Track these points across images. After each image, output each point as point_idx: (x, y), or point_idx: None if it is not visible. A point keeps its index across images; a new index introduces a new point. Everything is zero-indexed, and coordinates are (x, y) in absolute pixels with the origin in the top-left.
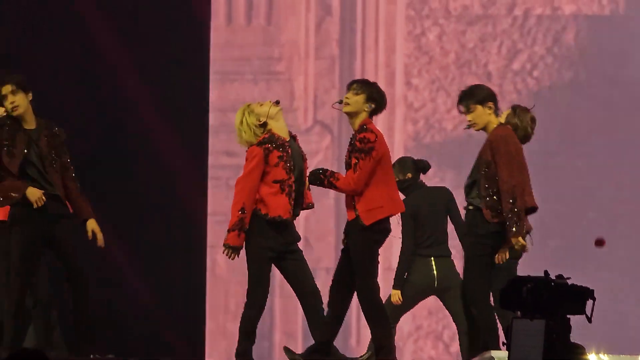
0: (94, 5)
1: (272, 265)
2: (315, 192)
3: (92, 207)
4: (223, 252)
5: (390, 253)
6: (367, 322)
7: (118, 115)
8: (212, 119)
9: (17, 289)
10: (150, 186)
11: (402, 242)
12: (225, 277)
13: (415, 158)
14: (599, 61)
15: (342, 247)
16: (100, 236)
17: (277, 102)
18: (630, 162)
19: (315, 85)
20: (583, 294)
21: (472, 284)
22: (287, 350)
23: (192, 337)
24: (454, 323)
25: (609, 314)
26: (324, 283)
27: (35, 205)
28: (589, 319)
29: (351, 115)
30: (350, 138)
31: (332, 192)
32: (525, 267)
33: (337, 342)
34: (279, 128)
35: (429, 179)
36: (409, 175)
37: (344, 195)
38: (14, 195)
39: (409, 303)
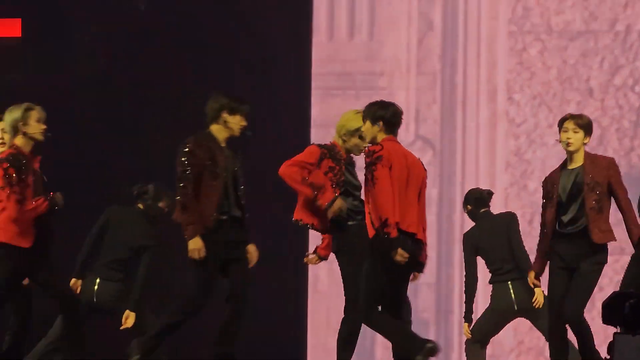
0: (196, 25)
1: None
2: None
3: None
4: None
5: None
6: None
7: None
8: (314, 134)
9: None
10: (251, 203)
11: (465, 275)
12: (326, 292)
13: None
14: None
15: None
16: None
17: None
18: None
19: (417, 100)
20: None
21: None
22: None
23: (293, 353)
24: None
25: None
26: (425, 298)
27: None
28: None
29: (371, 142)
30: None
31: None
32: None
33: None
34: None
35: (531, 196)
36: (469, 207)
37: (447, 210)
38: None
39: (494, 328)
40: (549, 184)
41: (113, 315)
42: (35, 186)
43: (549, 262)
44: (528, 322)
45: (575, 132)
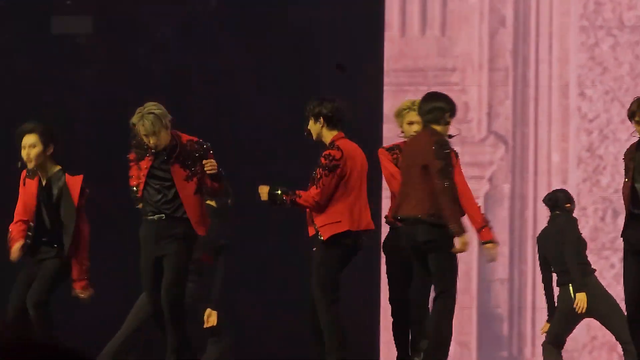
0: (268, 22)
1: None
2: (490, 204)
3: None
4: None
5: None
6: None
7: (292, 127)
8: (386, 130)
9: None
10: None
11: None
12: None
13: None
14: None
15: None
16: None
17: None
18: None
19: (489, 96)
20: None
21: None
22: None
23: (366, 348)
24: None
25: None
26: (497, 294)
27: None
28: None
29: (318, 139)
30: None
31: (506, 203)
32: None
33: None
34: None
35: (603, 192)
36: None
37: (519, 206)
38: None
39: (564, 330)
40: (626, 158)
41: (192, 315)
42: None
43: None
44: None
45: None
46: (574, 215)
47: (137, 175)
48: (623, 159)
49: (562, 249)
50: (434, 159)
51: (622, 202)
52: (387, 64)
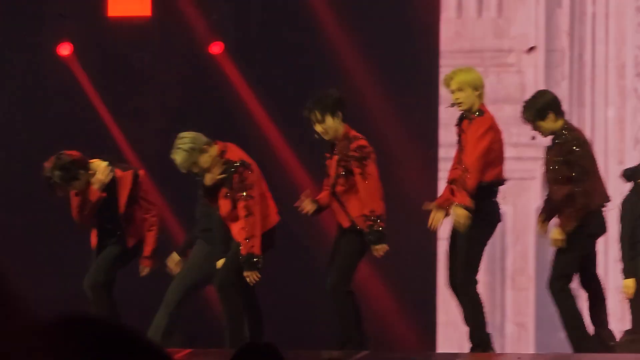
0: (327, 2)
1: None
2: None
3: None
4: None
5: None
6: None
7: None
8: (443, 111)
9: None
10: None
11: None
12: None
13: None
14: None
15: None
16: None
17: None
18: None
19: (545, 78)
20: None
21: None
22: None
23: (423, 329)
24: None
25: None
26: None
27: None
28: None
29: (334, 136)
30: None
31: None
32: None
33: None
34: None
35: None
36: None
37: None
38: None
39: None
40: None
41: None
42: None
43: None
44: None
45: None
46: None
47: None
48: None
49: None
50: None
51: None
52: (444, 46)
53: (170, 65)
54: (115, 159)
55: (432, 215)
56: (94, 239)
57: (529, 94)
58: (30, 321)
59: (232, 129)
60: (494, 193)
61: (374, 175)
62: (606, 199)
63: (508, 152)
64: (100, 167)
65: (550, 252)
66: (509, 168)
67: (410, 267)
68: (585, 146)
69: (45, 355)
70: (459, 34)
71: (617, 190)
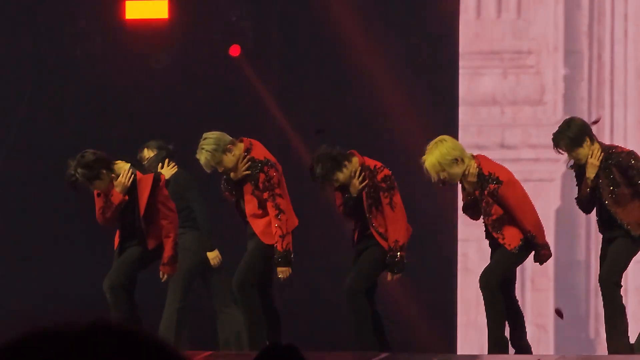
0: (346, 5)
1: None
2: (566, 186)
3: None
4: None
5: None
6: None
7: (368, 111)
8: (462, 113)
9: None
10: (399, 180)
11: None
12: (476, 270)
13: None
14: None
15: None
16: None
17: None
18: None
19: (564, 79)
20: None
21: None
22: None
23: (443, 330)
24: None
25: None
26: (574, 276)
27: None
28: None
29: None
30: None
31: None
32: None
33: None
34: None
35: None
36: None
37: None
38: None
39: None
40: None
41: None
42: None
43: None
44: None
45: None
46: None
47: None
48: None
49: None
50: None
51: None
52: (463, 47)
53: (188, 67)
54: (136, 161)
55: None
56: (117, 240)
57: (548, 95)
58: None
59: (250, 131)
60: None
61: (400, 203)
62: None
63: (526, 153)
64: (123, 170)
65: (569, 252)
66: (528, 169)
67: (430, 269)
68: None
69: None
70: (478, 35)
71: None
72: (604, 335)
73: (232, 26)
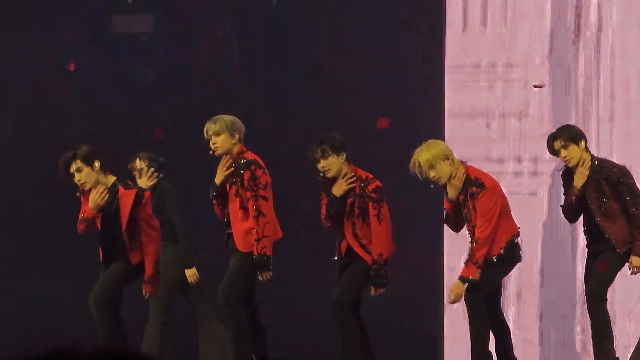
0: (328, 19)
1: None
2: (552, 199)
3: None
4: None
5: None
6: None
7: (356, 124)
8: (448, 126)
9: None
10: (385, 194)
11: None
12: None
13: None
14: None
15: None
16: None
17: None
18: None
19: (550, 92)
20: None
21: None
22: None
23: (430, 344)
24: None
25: None
26: (561, 289)
27: None
28: None
29: (337, 174)
30: (357, 187)
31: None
32: None
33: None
34: None
35: None
36: None
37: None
38: None
39: None
40: None
41: None
42: None
43: None
44: None
45: None
46: None
47: None
48: None
49: None
50: None
51: None
52: (449, 61)
53: (173, 81)
54: (127, 172)
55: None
56: (101, 253)
57: (534, 109)
58: None
59: None
60: (515, 242)
61: (387, 217)
62: None
63: (513, 167)
64: (101, 186)
65: (555, 266)
66: (514, 182)
67: (417, 282)
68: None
69: None
70: (464, 48)
71: None
72: (590, 349)
73: (218, 40)
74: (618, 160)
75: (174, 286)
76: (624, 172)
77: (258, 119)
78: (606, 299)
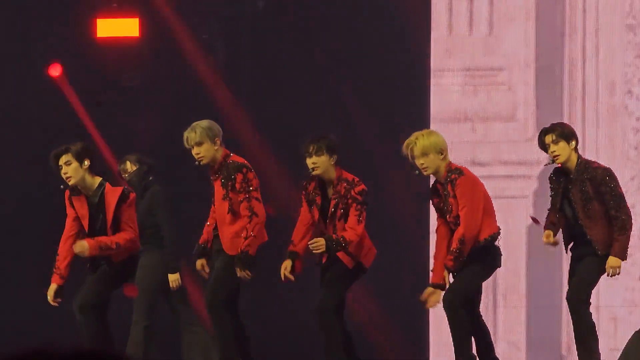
0: (313, 22)
1: None
2: (538, 202)
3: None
4: None
5: None
6: None
7: (340, 127)
8: (433, 130)
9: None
10: (369, 196)
11: None
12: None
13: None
14: None
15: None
16: None
17: None
18: None
19: (535, 95)
20: None
21: None
22: None
23: (415, 348)
24: None
25: None
26: (546, 293)
27: None
28: None
29: (326, 174)
30: (342, 189)
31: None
32: None
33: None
34: None
35: None
36: None
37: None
38: None
39: None
40: None
41: None
42: None
43: None
44: None
45: None
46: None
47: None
48: None
49: None
50: None
51: None
52: (434, 64)
53: (159, 85)
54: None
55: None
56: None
57: (519, 112)
58: None
59: None
60: (495, 243)
61: (364, 224)
62: None
63: (498, 170)
64: (89, 182)
65: (541, 269)
66: (499, 186)
67: (402, 286)
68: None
69: None
70: (449, 52)
71: None
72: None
73: (204, 44)
74: (603, 162)
75: (157, 289)
76: (608, 174)
77: (242, 122)
78: (589, 303)
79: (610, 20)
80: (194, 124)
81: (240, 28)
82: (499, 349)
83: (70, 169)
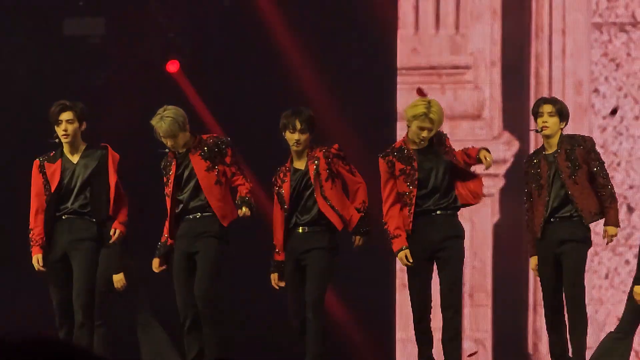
0: (280, 20)
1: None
2: (505, 201)
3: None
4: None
5: None
6: None
7: None
8: (400, 128)
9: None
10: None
11: None
12: None
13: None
14: None
15: None
16: None
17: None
18: None
19: (502, 94)
20: None
21: None
22: None
23: (382, 346)
24: None
25: None
26: (512, 291)
27: None
28: None
29: (304, 149)
30: (318, 150)
31: (521, 199)
32: None
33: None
34: None
35: (618, 188)
36: None
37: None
38: None
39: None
40: None
41: None
42: None
43: None
44: None
45: None
46: None
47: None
48: None
49: None
50: None
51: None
52: (401, 62)
53: (125, 83)
54: None
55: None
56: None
57: (486, 111)
58: None
59: None
60: None
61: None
62: None
63: None
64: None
65: (507, 267)
66: None
67: (368, 285)
68: None
69: None
70: (415, 50)
71: None
72: (542, 349)
73: (170, 42)
74: None
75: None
76: (594, 142)
77: (209, 120)
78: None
79: (577, 19)
80: (162, 113)
81: (206, 26)
82: (466, 347)
83: (71, 128)
